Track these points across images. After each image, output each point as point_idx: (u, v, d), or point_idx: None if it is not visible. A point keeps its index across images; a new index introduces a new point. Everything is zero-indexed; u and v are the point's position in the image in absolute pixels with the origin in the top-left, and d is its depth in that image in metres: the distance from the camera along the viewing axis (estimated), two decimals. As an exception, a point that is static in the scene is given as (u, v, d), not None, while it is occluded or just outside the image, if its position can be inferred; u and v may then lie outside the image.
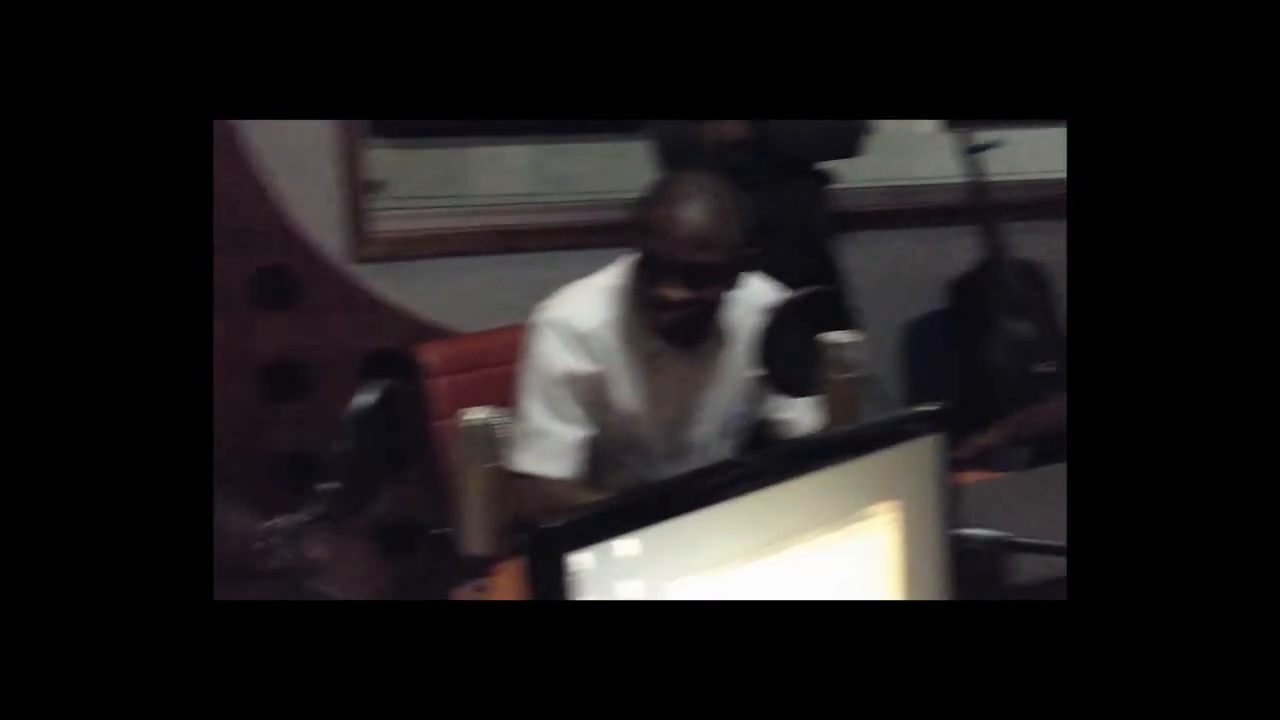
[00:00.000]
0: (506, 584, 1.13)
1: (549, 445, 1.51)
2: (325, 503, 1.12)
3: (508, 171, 2.45)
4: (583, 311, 1.57)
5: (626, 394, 1.58)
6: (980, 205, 2.28)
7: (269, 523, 1.00)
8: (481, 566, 1.13)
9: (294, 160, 1.98)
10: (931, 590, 0.78)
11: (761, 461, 0.73)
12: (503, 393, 1.65)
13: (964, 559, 0.81)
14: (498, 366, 1.82)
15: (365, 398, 1.11)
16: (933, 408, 0.79)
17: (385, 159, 2.16)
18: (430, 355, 1.81)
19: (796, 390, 1.26)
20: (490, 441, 1.01)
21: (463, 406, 1.73)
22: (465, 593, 1.12)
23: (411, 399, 1.21)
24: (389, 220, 2.13)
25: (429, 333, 2.14)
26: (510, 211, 2.33)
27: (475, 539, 1.10)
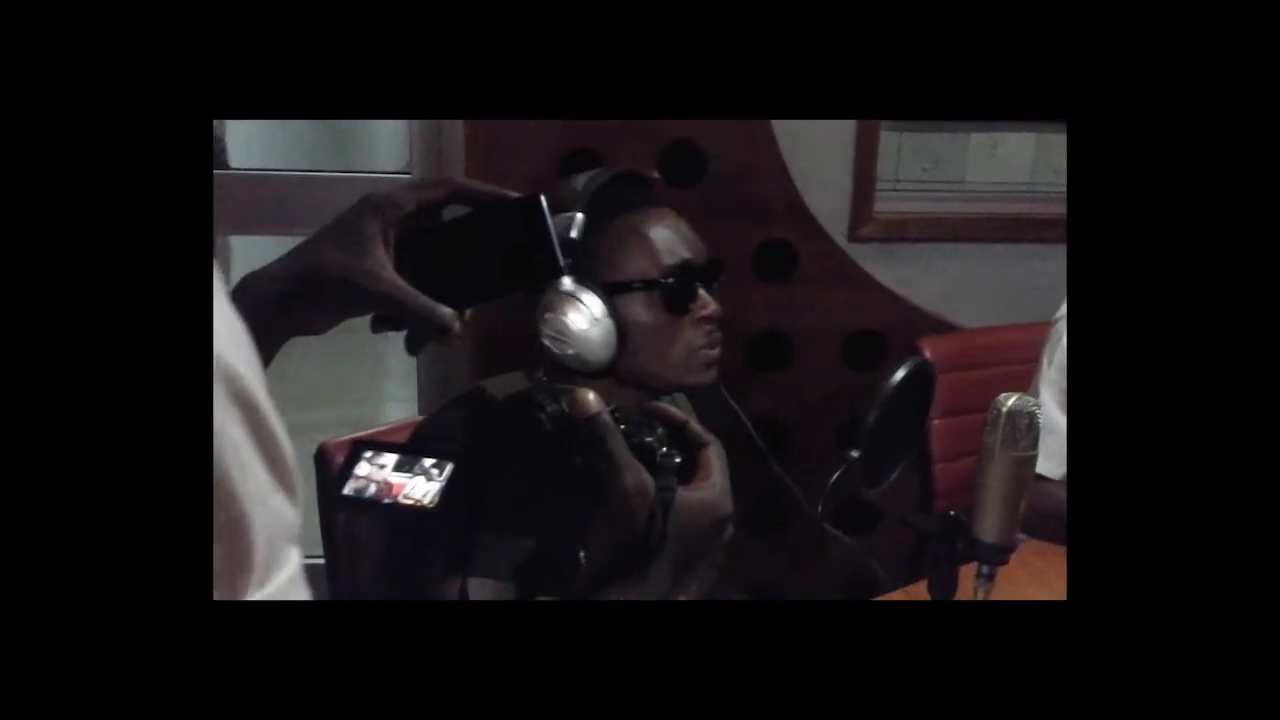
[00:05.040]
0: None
1: (1058, 445, 1.46)
2: (849, 470, 1.17)
3: (1005, 159, 2.37)
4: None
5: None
6: None
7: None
8: (992, 555, 1.11)
9: (813, 140, 2.04)
10: None
11: None
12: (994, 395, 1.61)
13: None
14: (997, 367, 1.77)
15: (898, 373, 1.14)
16: None
17: (887, 142, 2.17)
18: (927, 350, 1.80)
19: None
20: (1030, 429, 0.99)
21: (957, 404, 1.73)
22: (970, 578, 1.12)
23: (931, 379, 1.22)
24: (886, 202, 2.15)
25: (917, 316, 2.14)
26: (1009, 200, 2.26)
27: (992, 527, 1.08)
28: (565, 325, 1.15)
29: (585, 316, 1.15)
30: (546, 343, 1.16)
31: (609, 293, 1.18)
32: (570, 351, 1.15)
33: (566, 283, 1.16)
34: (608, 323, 1.16)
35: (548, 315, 1.16)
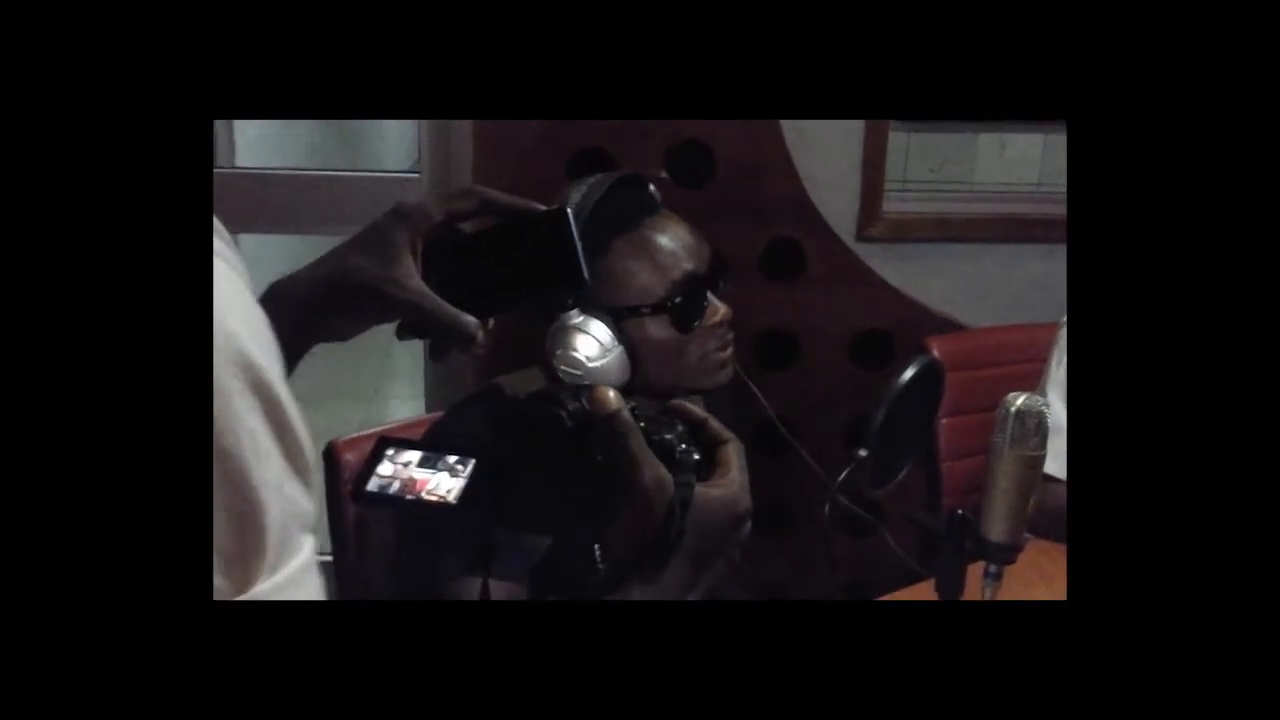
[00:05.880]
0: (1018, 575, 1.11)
1: (1066, 445, 1.45)
2: (857, 468, 1.16)
3: (1013, 160, 2.37)
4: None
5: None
6: None
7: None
8: (1000, 554, 1.11)
9: (821, 140, 2.04)
10: None
11: None
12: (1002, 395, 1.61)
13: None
14: (1004, 366, 1.77)
15: (907, 372, 1.13)
16: None
17: (896, 142, 2.17)
18: (935, 349, 1.80)
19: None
20: (1038, 429, 0.99)
21: (965, 404, 1.72)
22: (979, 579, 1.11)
23: (940, 378, 1.21)
24: (894, 202, 2.15)
25: (924, 316, 2.13)
26: (1017, 200, 2.26)
27: (1000, 527, 1.08)
28: (578, 359, 1.13)
29: (596, 347, 1.14)
30: (561, 376, 1.15)
31: (617, 319, 1.17)
32: (585, 383, 1.15)
33: (574, 315, 1.14)
34: (618, 349, 1.15)
35: (559, 351, 1.14)
